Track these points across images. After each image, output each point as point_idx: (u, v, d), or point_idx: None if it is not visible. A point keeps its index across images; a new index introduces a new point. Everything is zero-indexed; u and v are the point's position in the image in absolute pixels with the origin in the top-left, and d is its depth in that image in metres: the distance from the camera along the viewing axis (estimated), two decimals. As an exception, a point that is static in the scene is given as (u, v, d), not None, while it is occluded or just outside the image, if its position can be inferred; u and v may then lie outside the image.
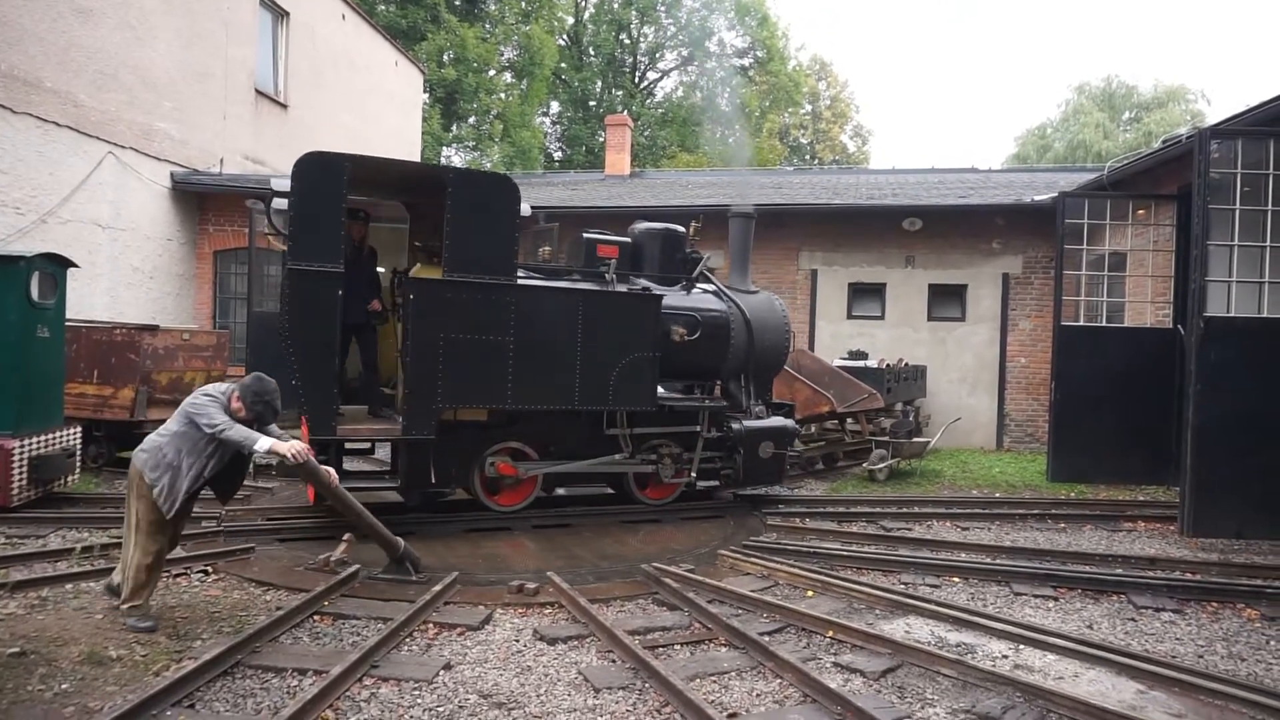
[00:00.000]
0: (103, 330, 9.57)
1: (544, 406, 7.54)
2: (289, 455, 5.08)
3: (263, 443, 4.98)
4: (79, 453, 8.27)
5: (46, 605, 5.23)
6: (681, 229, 9.05)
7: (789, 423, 9.02)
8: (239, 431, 4.97)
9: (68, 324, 8.52)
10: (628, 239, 8.71)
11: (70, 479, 8.10)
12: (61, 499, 7.99)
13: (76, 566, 5.97)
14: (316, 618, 5.20)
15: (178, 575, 5.94)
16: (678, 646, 4.94)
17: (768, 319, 9.08)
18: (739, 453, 8.44)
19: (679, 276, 8.81)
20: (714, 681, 4.47)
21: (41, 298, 7.79)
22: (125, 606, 4.98)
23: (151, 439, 5.07)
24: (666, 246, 8.82)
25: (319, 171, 6.64)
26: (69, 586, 5.59)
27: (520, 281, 7.43)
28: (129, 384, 9.25)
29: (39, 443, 7.60)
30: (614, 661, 4.69)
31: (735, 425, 8.47)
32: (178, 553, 6.37)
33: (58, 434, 7.92)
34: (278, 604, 5.42)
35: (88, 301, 12.09)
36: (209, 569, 6.08)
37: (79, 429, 8.37)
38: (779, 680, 4.47)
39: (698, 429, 8.32)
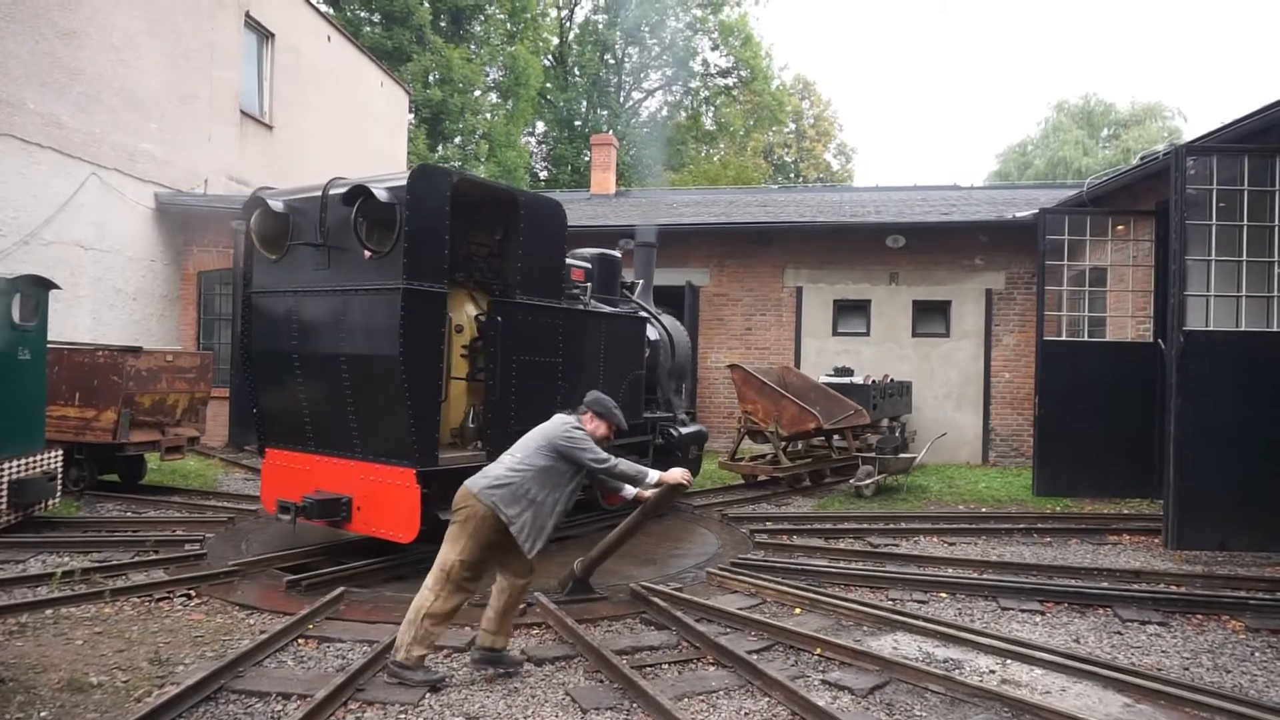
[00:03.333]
0: (85, 352, 9.49)
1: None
2: (685, 482, 4.98)
3: (652, 475, 4.82)
4: (60, 476, 8.19)
5: (26, 632, 5.16)
6: (617, 253, 9.52)
7: (703, 427, 10.31)
8: (628, 465, 4.79)
9: (50, 346, 8.45)
10: (586, 262, 8.94)
11: (51, 503, 8.01)
12: (42, 523, 7.90)
13: (57, 592, 5.88)
14: (301, 641, 5.15)
15: (160, 599, 5.87)
16: (666, 666, 4.92)
17: (680, 338, 10.24)
18: (678, 455, 9.17)
19: (616, 299, 9.23)
20: (702, 701, 4.45)
21: (23, 319, 7.73)
22: (400, 657, 4.42)
23: (500, 473, 4.55)
24: (605, 270, 9.11)
25: (430, 186, 6.44)
26: (49, 613, 5.51)
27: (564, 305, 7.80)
28: (111, 406, 9.16)
29: (19, 466, 7.52)
30: (601, 682, 4.67)
31: (673, 432, 9.24)
32: (159, 576, 6.33)
33: (39, 457, 7.84)
34: (262, 627, 5.37)
35: (70, 323, 12.01)
36: (192, 593, 6.01)
37: (60, 452, 8.29)
38: (767, 699, 4.46)
39: (648, 438, 8.99)
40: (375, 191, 6.21)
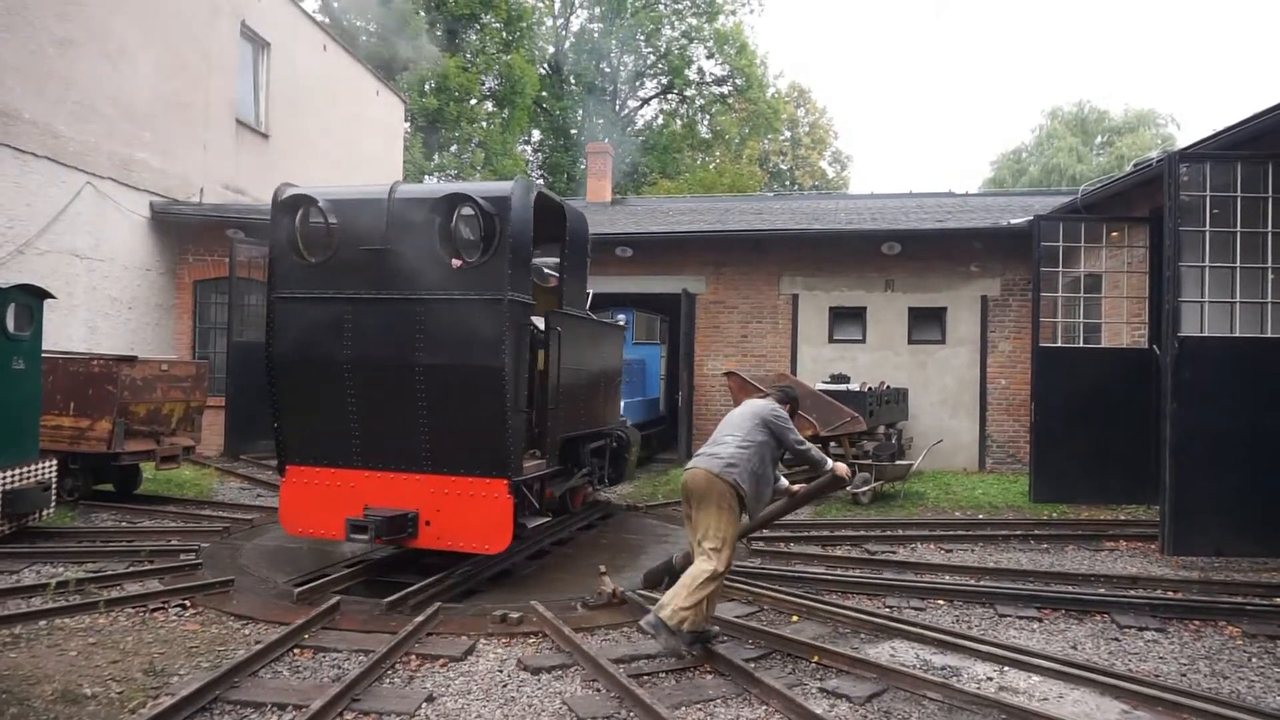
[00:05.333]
0: (80, 361, 9.47)
1: (590, 429, 8.39)
2: (847, 476, 5.54)
3: (829, 464, 5.41)
4: (54, 486, 8.15)
5: (19, 643, 5.13)
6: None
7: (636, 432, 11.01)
8: (816, 450, 5.44)
9: (44, 355, 8.43)
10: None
11: (45, 513, 7.98)
12: (36, 533, 7.86)
13: (51, 603, 5.85)
14: (297, 651, 5.13)
15: (155, 610, 5.84)
16: (663, 674, 4.90)
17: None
18: (625, 456, 9.74)
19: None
20: (699, 709, 4.44)
21: (17, 329, 7.71)
22: (676, 621, 4.86)
23: (731, 453, 5.13)
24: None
25: (524, 198, 6.43)
26: (43, 623, 5.48)
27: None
28: (106, 416, 9.13)
29: (13, 476, 7.49)
30: (598, 691, 4.65)
31: (621, 434, 9.59)
32: (154, 586, 6.30)
33: (33, 467, 7.81)
34: (257, 638, 5.35)
35: (65, 333, 11.98)
36: (187, 603, 5.98)
37: (55, 462, 8.26)
38: (765, 707, 4.45)
39: (604, 442, 9.23)
40: (480, 200, 6.19)
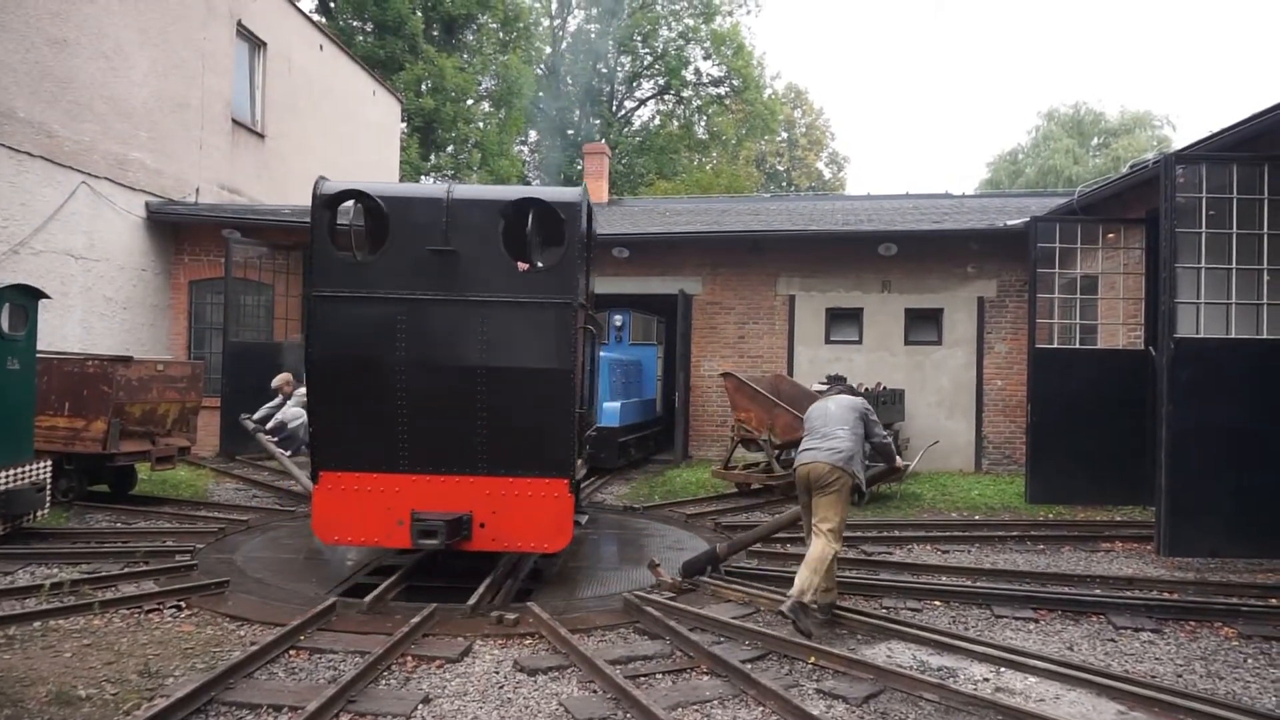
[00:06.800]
0: (75, 362, 9.43)
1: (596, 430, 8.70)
2: (903, 467, 6.51)
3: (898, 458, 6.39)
4: (49, 487, 8.12)
5: (14, 644, 5.11)
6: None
7: None
8: (891, 443, 6.27)
9: (39, 355, 8.40)
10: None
11: (40, 514, 7.94)
12: (30, 534, 7.83)
13: (45, 604, 5.83)
14: (292, 652, 5.11)
15: (150, 611, 5.82)
16: (659, 675, 4.90)
17: None
18: (588, 447, 9.86)
19: None
20: (696, 710, 4.44)
21: (12, 329, 7.68)
22: (815, 596, 5.56)
23: (843, 445, 5.83)
24: None
25: (586, 203, 6.55)
26: (37, 625, 5.46)
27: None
28: (101, 416, 9.10)
29: (7, 477, 7.46)
30: (595, 692, 4.64)
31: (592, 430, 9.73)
32: (149, 588, 6.28)
33: (27, 468, 7.77)
34: (252, 639, 5.33)
35: (60, 333, 11.94)
36: (182, 604, 5.96)
37: (49, 463, 8.22)
38: (762, 708, 4.44)
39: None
40: (554, 205, 6.26)
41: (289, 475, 9.82)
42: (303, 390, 10.19)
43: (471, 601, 5.98)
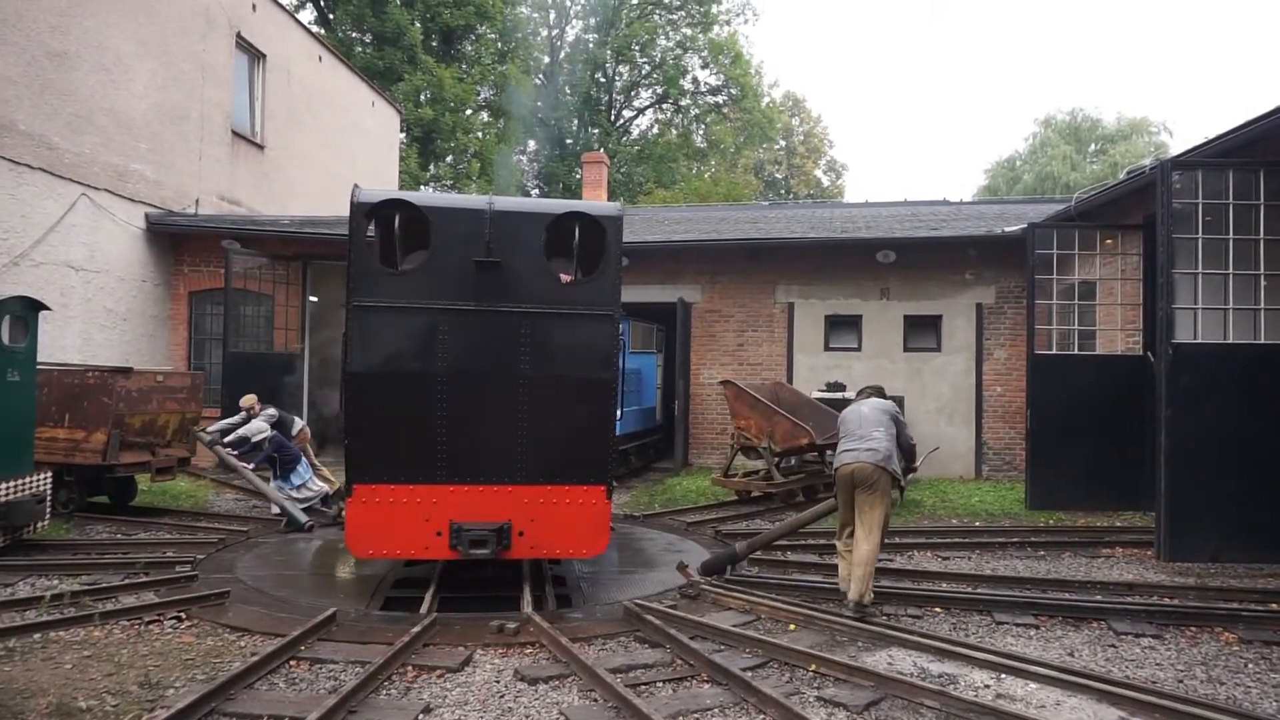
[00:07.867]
0: (75, 373, 9.45)
1: None
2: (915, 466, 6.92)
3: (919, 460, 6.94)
4: (49, 498, 8.12)
5: (14, 656, 5.11)
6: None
7: None
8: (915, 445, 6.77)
9: (39, 367, 8.41)
10: None
11: (40, 525, 7.95)
12: (31, 546, 7.83)
13: (46, 615, 5.83)
14: (293, 663, 5.11)
15: (150, 622, 5.82)
16: (660, 684, 4.90)
17: None
18: None
19: None
20: (696, 719, 4.43)
21: (12, 341, 7.70)
22: (868, 598, 6.00)
23: (882, 446, 6.16)
24: None
25: (621, 216, 6.68)
26: (37, 636, 5.46)
27: None
28: (101, 427, 9.11)
29: (8, 489, 7.47)
30: (596, 701, 4.64)
31: None
32: (150, 599, 6.28)
33: (27, 479, 7.78)
34: (253, 650, 5.33)
35: (60, 344, 11.95)
36: (182, 615, 5.96)
37: (49, 474, 8.23)
38: (762, 716, 4.44)
39: None
40: (599, 218, 6.44)
41: (258, 494, 9.83)
42: (271, 410, 10.20)
43: (527, 610, 6.08)
